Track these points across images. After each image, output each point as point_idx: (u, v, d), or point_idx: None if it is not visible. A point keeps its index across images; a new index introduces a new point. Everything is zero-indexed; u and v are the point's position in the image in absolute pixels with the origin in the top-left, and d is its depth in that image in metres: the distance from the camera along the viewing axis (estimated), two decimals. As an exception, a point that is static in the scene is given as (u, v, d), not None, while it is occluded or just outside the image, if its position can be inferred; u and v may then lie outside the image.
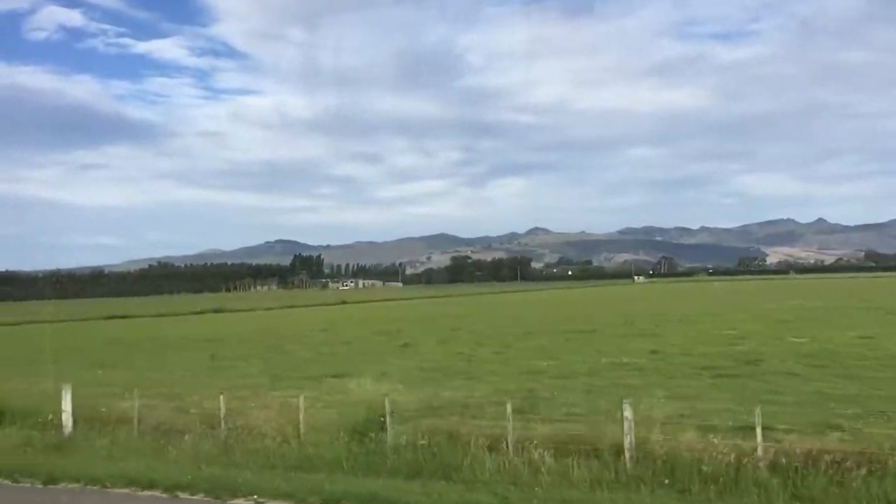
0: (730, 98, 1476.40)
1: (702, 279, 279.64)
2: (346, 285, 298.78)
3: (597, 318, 58.16)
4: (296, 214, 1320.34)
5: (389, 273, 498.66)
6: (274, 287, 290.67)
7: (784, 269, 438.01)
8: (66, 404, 16.15)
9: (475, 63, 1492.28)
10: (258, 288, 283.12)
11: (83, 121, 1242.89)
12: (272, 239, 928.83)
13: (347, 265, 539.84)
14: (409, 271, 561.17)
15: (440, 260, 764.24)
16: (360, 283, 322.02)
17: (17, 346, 47.15)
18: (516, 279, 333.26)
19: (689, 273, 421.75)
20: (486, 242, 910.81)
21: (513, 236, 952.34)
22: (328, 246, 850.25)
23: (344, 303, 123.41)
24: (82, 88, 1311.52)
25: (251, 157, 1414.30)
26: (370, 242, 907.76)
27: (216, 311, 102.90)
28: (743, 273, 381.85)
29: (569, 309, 79.67)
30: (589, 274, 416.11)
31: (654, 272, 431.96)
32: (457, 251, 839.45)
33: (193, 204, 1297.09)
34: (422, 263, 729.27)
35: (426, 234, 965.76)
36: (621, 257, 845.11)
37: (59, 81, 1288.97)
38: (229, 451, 14.24)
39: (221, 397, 15.80)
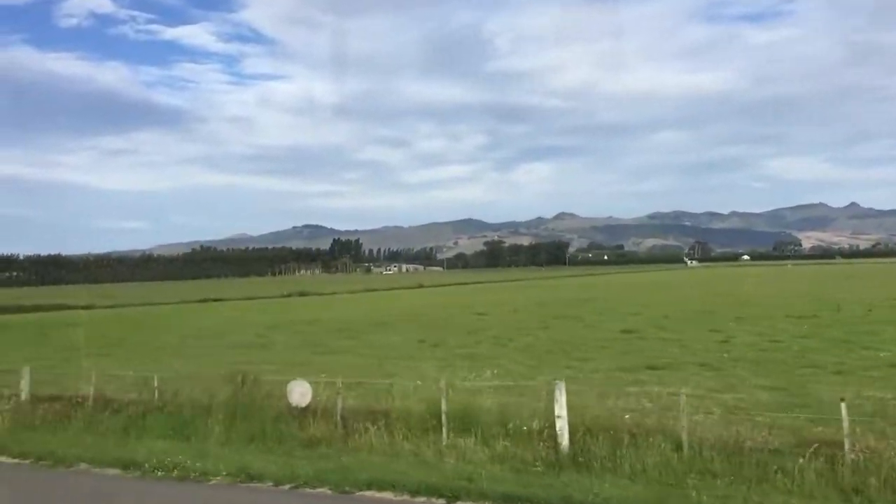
0: (760, 80, 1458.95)
1: (752, 263, 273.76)
2: (390, 269, 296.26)
3: (768, 301, 54.34)
4: (322, 199, 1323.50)
5: (421, 257, 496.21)
6: (317, 271, 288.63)
7: (818, 253, 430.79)
8: (561, 409, 12.75)
9: (502, 47, 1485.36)
10: (302, 272, 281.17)
11: (112, 107, 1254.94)
12: (299, 224, 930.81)
13: (379, 249, 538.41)
14: (439, 256, 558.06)
15: (467, 244, 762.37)
16: (404, 267, 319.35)
17: (186, 330, 44.41)
18: (553, 264, 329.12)
19: (723, 258, 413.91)
20: (512, 227, 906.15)
21: (540, 221, 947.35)
22: (356, 230, 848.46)
23: (421, 286, 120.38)
24: (112, 75, 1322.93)
25: (278, 142, 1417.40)
26: (397, 227, 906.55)
27: (301, 294, 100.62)
28: (782, 258, 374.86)
29: (700, 292, 75.88)
30: (626, 259, 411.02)
31: (689, 257, 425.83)
32: (484, 236, 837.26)
33: (221, 189, 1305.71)
34: (449, 248, 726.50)
35: (453, 218, 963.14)
36: (650, 242, 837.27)
37: (89, 68, 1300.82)
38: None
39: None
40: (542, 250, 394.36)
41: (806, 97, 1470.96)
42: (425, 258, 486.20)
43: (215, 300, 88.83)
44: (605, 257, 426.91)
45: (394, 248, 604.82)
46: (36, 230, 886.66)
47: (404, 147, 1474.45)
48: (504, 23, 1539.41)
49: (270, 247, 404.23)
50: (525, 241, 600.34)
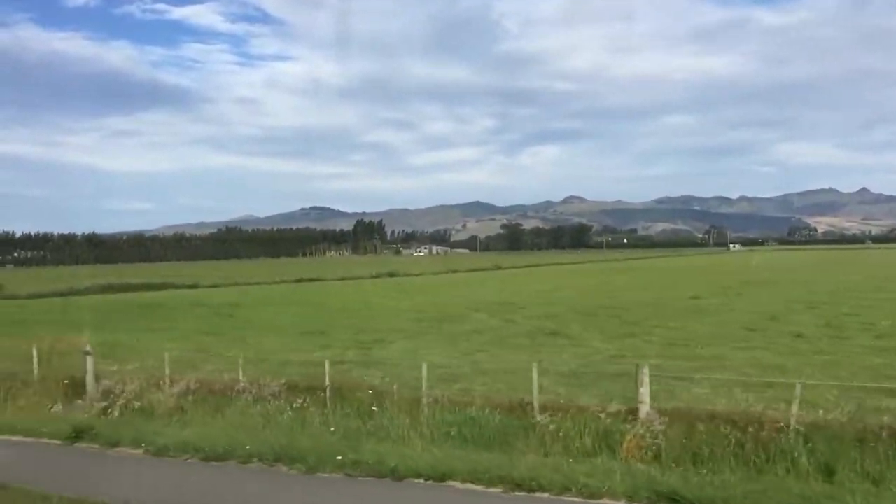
0: (772, 64, 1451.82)
1: (829, 247, 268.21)
2: (420, 251, 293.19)
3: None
4: (329, 181, 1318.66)
5: (436, 239, 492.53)
6: (345, 252, 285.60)
7: (834, 238, 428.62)
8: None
9: (511, 29, 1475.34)
10: (331, 253, 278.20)
11: (119, 87, 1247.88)
12: (307, 205, 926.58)
13: (393, 231, 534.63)
14: (453, 238, 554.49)
15: (476, 227, 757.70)
16: (434, 249, 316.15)
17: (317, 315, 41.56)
18: (575, 247, 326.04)
19: (747, 241, 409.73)
20: (521, 210, 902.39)
21: (548, 204, 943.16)
22: (363, 213, 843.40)
23: (499, 268, 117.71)
24: (118, 55, 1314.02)
25: (285, 123, 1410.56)
26: (404, 209, 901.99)
27: (390, 275, 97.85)
28: (799, 243, 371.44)
29: (828, 276, 73.12)
30: (648, 242, 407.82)
31: (703, 242, 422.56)
32: (492, 219, 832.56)
33: (228, 170, 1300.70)
34: (458, 231, 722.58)
35: (460, 201, 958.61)
36: (659, 226, 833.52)
37: (95, 48, 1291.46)
38: None
39: None
40: (565, 234, 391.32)
41: (817, 82, 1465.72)
42: (440, 240, 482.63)
43: (311, 280, 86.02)
44: (625, 241, 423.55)
45: (401, 230, 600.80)
46: (41, 209, 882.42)
47: (411, 129, 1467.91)
48: (513, 4, 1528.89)
49: (276, 228, 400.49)
50: (533, 224, 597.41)
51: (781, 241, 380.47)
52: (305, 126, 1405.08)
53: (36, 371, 17.19)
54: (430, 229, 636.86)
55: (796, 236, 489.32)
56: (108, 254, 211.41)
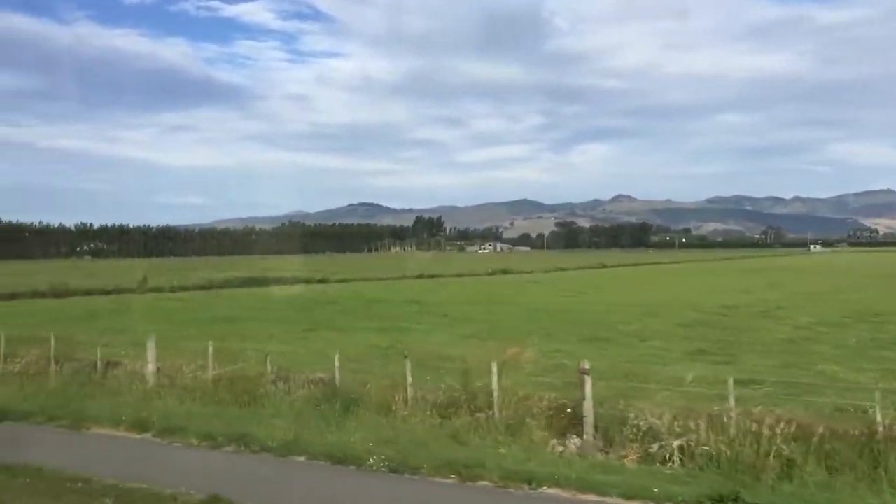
0: (828, 62, 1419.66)
1: (865, 250, 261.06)
2: (484, 248, 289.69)
3: None
4: (378, 177, 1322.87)
5: (487, 237, 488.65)
6: (409, 249, 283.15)
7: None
8: None
9: (561, 26, 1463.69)
10: (395, 249, 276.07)
11: (174, 84, 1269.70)
12: (355, 201, 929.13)
13: (447, 227, 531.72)
14: (505, 236, 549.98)
15: (523, 225, 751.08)
16: (499, 246, 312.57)
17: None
18: (635, 247, 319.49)
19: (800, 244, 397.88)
20: (568, 209, 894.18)
21: (596, 203, 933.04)
22: (411, 209, 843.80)
23: (604, 266, 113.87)
24: (174, 52, 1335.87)
25: (335, 119, 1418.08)
26: (452, 206, 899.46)
27: (504, 272, 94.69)
28: (867, 244, 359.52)
29: None
30: (707, 242, 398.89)
31: (760, 242, 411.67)
32: (540, 217, 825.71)
33: (278, 166, 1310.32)
34: (506, 229, 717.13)
35: (508, 199, 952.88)
36: (710, 226, 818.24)
37: (151, 44, 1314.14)
38: None
39: None
40: (624, 232, 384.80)
41: (875, 80, 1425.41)
42: (492, 238, 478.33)
43: (431, 276, 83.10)
44: (683, 240, 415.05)
45: (453, 227, 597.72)
46: (101, 203, 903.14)
47: (460, 126, 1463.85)
48: (564, 1, 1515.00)
49: (328, 223, 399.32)
50: (582, 222, 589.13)
51: (851, 244, 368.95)
52: (355, 122, 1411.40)
53: (496, 392, 13.73)
54: (477, 226, 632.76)
55: (858, 238, 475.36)
56: (180, 246, 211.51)
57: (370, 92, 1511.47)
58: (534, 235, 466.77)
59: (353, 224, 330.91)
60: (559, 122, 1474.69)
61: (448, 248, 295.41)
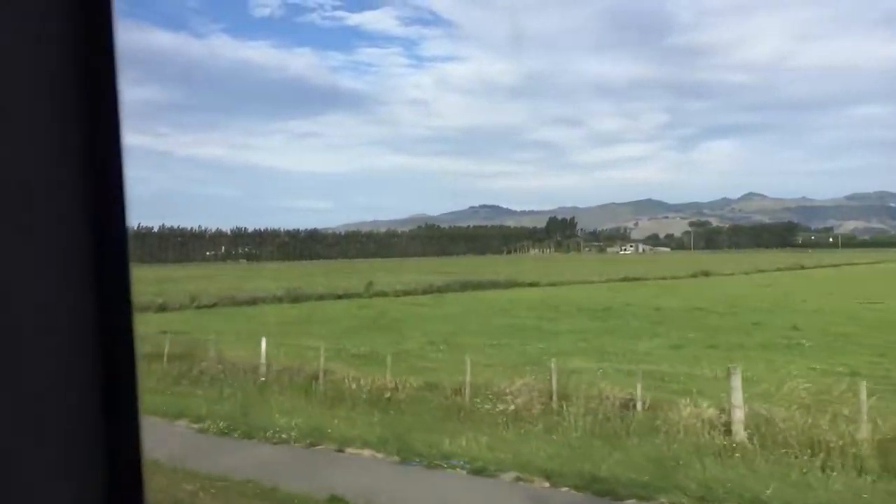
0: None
1: None
2: (626, 249, 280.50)
3: None
4: (497, 179, 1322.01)
5: (616, 237, 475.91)
6: (547, 251, 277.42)
7: None
8: None
9: (684, 20, 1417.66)
10: (533, 251, 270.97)
11: (301, 92, 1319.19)
12: (476, 204, 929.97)
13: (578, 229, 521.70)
14: (633, 237, 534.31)
15: (649, 226, 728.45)
16: (640, 247, 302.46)
17: None
18: (781, 246, 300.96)
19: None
20: (695, 209, 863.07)
21: (724, 202, 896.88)
22: (531, 211, 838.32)
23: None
24: (301, 61, 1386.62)
25: (454, 123, 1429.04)
26: (573, 207, 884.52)
27: (759, 271, 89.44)
28: None
29: None
30: (858, 242, 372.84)
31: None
32: (665, 217, 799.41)
33: (400, 169, 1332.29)
34: (631, 229, 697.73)
35: (630, 199, 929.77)
36: (850, 225, 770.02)
37: (280, 55, 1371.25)
38: None
39: None
40: (766, 231, 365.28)
41: None
42: (621, 239, 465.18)
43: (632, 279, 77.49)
44: (830, 240, 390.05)
45: (580, 228, 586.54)
46: (234, 208, 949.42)
47: (579, 126, 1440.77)
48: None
49: (463, 226, 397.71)
50: (713, 222, 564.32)
51: None
52: (473, 125, 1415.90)
53: None
54: (599, 227, 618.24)
55: None
56: (327, 249, 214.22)
57: (488, 94, 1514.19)
58: (662, 236, 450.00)
59: (485, 226, 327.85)
60: (683, 120, 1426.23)
61: (586, 249, 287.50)
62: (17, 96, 0.80)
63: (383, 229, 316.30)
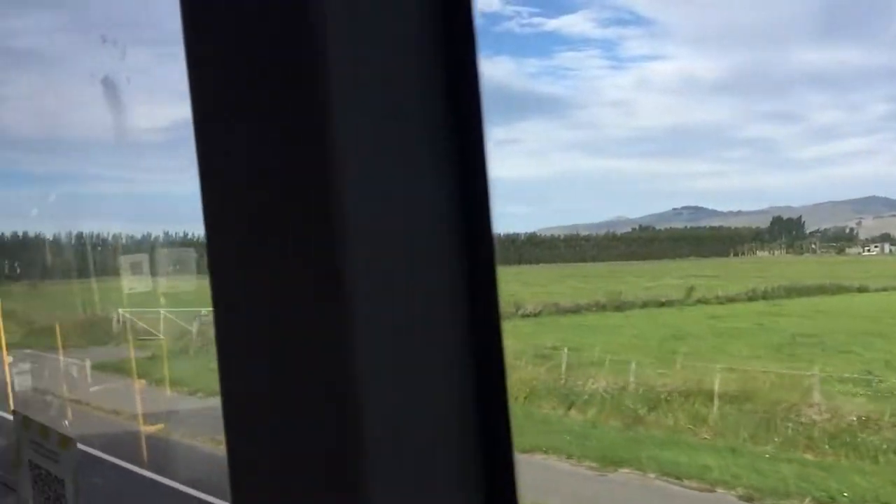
0: None
1: None
2: (870, 250, 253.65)
3: None
4: (699, 179, 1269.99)
5: (841, 238, 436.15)
6: (777, 252, 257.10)
7: None
8: None
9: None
10: (762, 253, 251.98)
11: (500, 100, 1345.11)
12: (678, 205, 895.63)
13: (815, 230, 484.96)
14: (861, 237, 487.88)
15: (872, 225, 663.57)
16: (886, 247, 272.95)
17: None
18: None
19: None
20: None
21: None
22: (739, 211, 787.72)
23: None
24: (500, 69, 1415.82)
25: (655, 122, 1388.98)
26: (786, 206, 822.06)
27: None
28: None
29: None
30: None
31: None
32: (893, 215, 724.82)
33: (598, 172, 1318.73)
34: (854, 229, 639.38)
35: (851, 197, 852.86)
36: None
37: (482, 64, 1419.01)
38: None
39: None
40: None
41: None
42: (846, 238, 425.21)
43: None
44: None
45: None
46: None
47: (793, 121, 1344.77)
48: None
49: (679, 227, 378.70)
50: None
51: None
52: (675, 124, 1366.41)
53: None
54: (817, 227, 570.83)
55: None
56: (546, 253, 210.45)
57: (691, 92, 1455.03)
58: (894, 234, 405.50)
59: (702, 227, 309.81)
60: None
61: (821, 250, 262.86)
62: (407, 101, 0.79)
63: (584, 233, 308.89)
